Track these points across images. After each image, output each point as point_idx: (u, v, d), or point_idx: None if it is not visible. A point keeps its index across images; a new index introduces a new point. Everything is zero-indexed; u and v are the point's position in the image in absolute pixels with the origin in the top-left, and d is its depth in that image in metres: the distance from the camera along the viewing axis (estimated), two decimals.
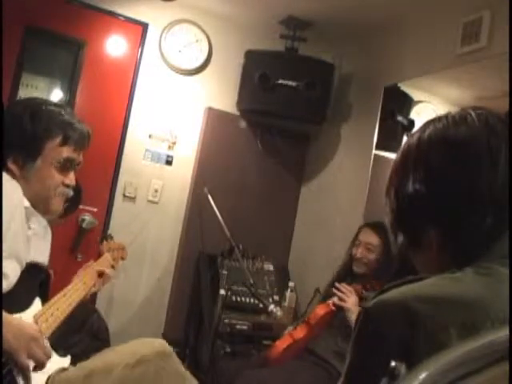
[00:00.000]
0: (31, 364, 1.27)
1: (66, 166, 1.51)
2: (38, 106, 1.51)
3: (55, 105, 1.57)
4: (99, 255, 1.87)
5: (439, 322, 0.66)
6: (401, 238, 0.86)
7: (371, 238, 2.39)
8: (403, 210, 0.84)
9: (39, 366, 1.28)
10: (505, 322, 0.67)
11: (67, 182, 1.53)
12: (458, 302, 0.69)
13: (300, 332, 2.29)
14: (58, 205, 1.54)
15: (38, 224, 1.54)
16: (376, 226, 2.42)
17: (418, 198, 0.81)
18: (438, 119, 0.84)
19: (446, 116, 0.84)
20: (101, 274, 1.76)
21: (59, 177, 1.51)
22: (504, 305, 0.68)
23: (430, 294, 0.70)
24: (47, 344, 1.33)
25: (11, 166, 1.44)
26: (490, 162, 0.77)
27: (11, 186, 1.40)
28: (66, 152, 1.50)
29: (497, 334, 0.55)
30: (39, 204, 1.49)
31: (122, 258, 2.01)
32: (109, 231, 3.08)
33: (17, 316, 1.32)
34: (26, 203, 1.44)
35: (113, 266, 1.86)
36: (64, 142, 1.50)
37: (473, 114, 0.82)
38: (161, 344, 1.55)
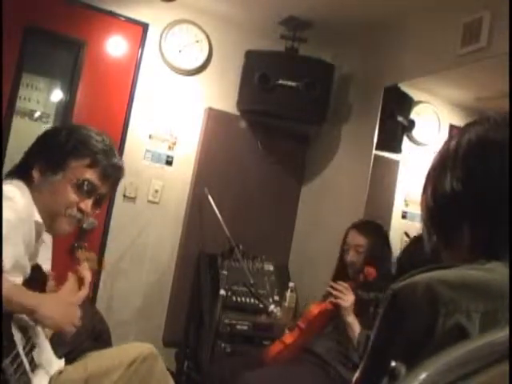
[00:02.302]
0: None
1: (83, 188, 1.47)
2: (79, 128, 1.54)
3: (98, 133, 1.55)
4: (78, 263, 1.85)
5: (462, 307, 0.67)
6: (434, 236, 0.88)
7: (358, 239, 2.36)
8: (438, 207, 0.86)
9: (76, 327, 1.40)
10: None
11: (82, 206, 1.47)
12: (482, 289, 0.70)
13: (291, 336, 2.24)
14: (64, 226, 1.49)
15: (46, 235, 1.54)
16: (361, 226, 2.42)
17: (454, 197, 0.82)
18: (480, 121, 0.86)
19: (488, 118, 0.85)
20: (82, 281, 1.75)
21: (74, 197, 1.46)
22: None
23: (456, 279, 0.72)
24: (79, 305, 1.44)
25: (34, 173, 1.45)
26: None
27: (25, 203, 1.39)
28: (89, 175, 1.47)
29: (497, 334, 0.56)
30: (46, 219, 1.45)
31: (99, 267, 2.00)
32: (109, 231, 3.08)
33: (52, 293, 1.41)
34: (39, 219, 1.43)
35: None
36: (90, 165, 1.48)
37: None
38: (149, 347, 1.68)
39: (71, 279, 1.66)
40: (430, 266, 0.76)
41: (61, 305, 1.35)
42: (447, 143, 0.89)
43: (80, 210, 1.48)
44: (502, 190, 0.79)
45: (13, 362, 1.22)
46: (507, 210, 0.78)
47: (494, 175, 0.80)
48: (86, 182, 1.47)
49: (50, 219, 1.46)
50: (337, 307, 2.21)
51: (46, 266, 1.60)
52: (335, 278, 2.41)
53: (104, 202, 1.59)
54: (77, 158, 1.47)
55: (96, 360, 1.62)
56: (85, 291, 1.67)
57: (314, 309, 2.25)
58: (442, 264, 0.77)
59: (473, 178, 0.82)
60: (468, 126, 0.87)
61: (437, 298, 0.69)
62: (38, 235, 1.45)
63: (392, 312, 0.73)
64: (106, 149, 1.51)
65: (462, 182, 0.82)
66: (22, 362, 1.27)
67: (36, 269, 1.49)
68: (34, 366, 1.35)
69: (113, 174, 1.53)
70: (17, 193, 1.36)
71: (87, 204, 1.48)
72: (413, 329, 0.69)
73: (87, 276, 1.71)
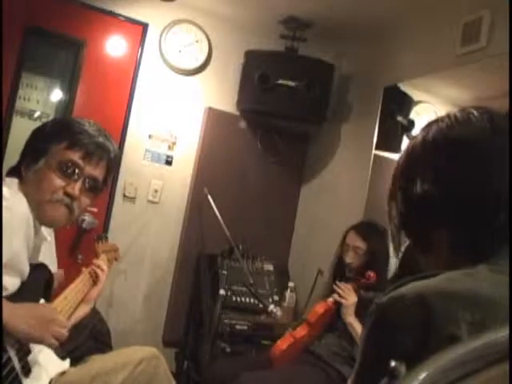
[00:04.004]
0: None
1: (67, 170, 1.40)
2: (66, 118, 1.51)
3: (86, 120, 1.50)
4: (96, 255, 1.85)
5: (451, 316, 0.66)
6: (409, 241, 0.86)
7: (358, 241, 2.39)
8: (412, 212, 0.84)
9: (61, 340, 1.32)
10: None
11: (69, 190, 1.39)
12: (470, 297, 0.69)
13: (301, 331, 2.30)
14: (51, 213, 1.40)
15: (48, 233, 1.52)
16: (361, 228, 2.44)
17: (427, 200, 0.80)
18: (441, 119, 0.84)
19: (449, 116, 0.83)
20: (97, 276, 1.74)
21: (58, 182, 1.39)
22: None
23: (443, 288, 0.70)
24: (62, 317, 1.35)
25: (22, 170, 1.41)
26: (496, 160, 0.77)
27: (18, 200, 1.35)
28: (70, 155, 1.40)
29: (497, 334, 0.55)
30: (34, 211, 1.38)
31: (116, 260, 1.99)
32: (109, 231, 3.08)
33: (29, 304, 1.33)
34: (31, 213, 1.38)
35: (107, 267, 1.83)
36: (71, 146, 1.40)
37: (475, 112, 0.82)
38: (153, 350, 1.68)
39: (82, 277, 1.64)
40: (412, 277, 0.74)
41: (37, 317, 1.26)
42: (411, 144, 0.86)
43: (67, 195, 1.40)
44: (473, 188, 0.77)
45: (3, 368, 1.20)
46: (482, 208, 0.76)
47: (464, 174, 0.78)
48: (67, 163, 1.40)
49: (38, 210, 1.38)
50: (338, 307, 2.26)
51: (53, 266, 1.58)
52: (332, 278, 2.44)
53: (98, 188, 1.50)
54: (58, 142, 1.41)
55: (100, 361, 1.61)
56: (96, 290, 1.66)
57: (320, 307, 2.30)
58: (424, 274, 0.75)
59: (443, 179, 0.80)
60: (429, 125, 0.85)
61: (425, 308, 0.67)
62: (36, 231, 1.42)
63: (380, 328, 0.71)
64: (90, 130, 1.44)
65: (433, 184, 0.80)
66: (13, 367, 1.24)
67: (39, 268, 1.46)
68: (28, 370, 1.32)
69: (96, 152, 1.44)
70: (8, 192, 1.33)
71: (74, 187, 1.40)
72: (404, 343, 0.67)
73: (100, 272, 1.69)
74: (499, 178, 0.76)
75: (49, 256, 1.55)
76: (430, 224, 0.82)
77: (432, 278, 0.73)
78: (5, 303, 1.22)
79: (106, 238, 1.97)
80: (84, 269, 1.70)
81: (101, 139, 1.46)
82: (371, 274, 2.27)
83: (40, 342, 1.28)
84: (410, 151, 0.86)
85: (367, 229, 2.45)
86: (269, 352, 2.32)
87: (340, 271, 2.45)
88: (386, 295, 0.72)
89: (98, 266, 1.70)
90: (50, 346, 1.29)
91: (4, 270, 1.26)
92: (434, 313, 0.66)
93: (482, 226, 0.77)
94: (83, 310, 1.58)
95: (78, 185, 1.42)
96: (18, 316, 1.23)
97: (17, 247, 1.32)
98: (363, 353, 0.73)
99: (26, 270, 1.39)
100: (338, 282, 2.31)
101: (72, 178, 1.41)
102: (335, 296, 2.27)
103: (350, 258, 2.39)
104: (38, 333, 1.25)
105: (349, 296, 2.25)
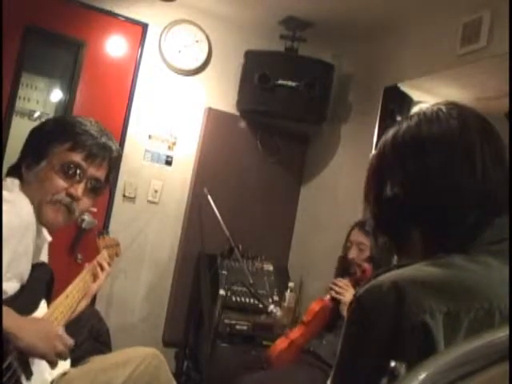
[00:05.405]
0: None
1: (69, 171, 1.39)
2: (66, 118, 1.49)
3: (87, 119, 1.49)
4: (97, 251, 1.84)
5: (425, 305, 0.67)
6: (383, 241, 0.87)
7: (362, 237, 2.37)
8: (384, 213, 0.84)
9: (62, 359, 1.32)
10: (489, 312, 0.67)
11: (71, 190, 1.38)
12: (443, 288, 0.70)
13: (296, 332, 2.30)
14: (51, 213, 1.39)
15: (44, 230, 1.52)
16: (365, 225, 2.40)
17: (397, 201, 0.80)
18: (411, 117, 0.84)
19: (418, 113, 0.83)
20: (97, 274, 1.73)
21: (61, 183, 1.38)
22: (490, 295, 0.68)
23: (417, 276, 0.71)
24: (67, 336, 1.34)
25: (23, 170, 1.40)
26: (465, 157, 0.77)
27: (22, 203, 1.34)
28: (73, 157, 1.39)
29: (497, 334, 0.55)
30: (35, 212, 1.36)
31: (117, 255, 1.98)
32: (109, 231, 3.07)
33: (35, 316, 1.32)
34: (33, 215, 1.36)
35: (109, 263, 1.79)
36: (73, 147, 1.39)
37: (444, 109, 0.82)
38: (153, 349, 1.67)
39: (83, 275, 1.64)
40: (388, 267, 0.74)
41: (43, 332, 1.25)
42: (382, 145, 0.86)
43: (69, 195, 1.39)
44: (442, 186, 0.77)
45: (5, 373, 1.18)
46: (453, 205, 0.76)
47: (432, 172, 0.78)
48: (70, 165, 1.39)
49: (38, 211, 1.36)
50: (337, 303, 2.24)
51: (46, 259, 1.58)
52: (337, 275, 2.43)
53: (100, 189, 1.50)
54: (60, 143, 1.40)
55: (100, 362, 1.60)
56: (95, 286, 1.65)
57: (316, 305, 2.30)
58: (400, 263, 0.75)
59: (411, 179, 0.79)
60: (400, 124, 0.85)
61: (400, 294, 0.68)
62: (38, 232, 1.40)
63: (356, 318, 0.72)
64: (92, 131, 1.43)
65: (402, 185, 0.80)
66: (14, 371, 1.23)
67: (41, 267, 1.46)
68: (30, 373, 1.31)
69: (99, 153, 1.43)
70: (11, 194, 1.32)
71: (77, 188, 1.39)
72: (379, 331, 0.68)
73: (100, 271, 1.68)
74: (466, 175, 0.76)
75: (45, 254, 1.54)
76: (402, 224, 0.82)
77: (408, 267, 0.73)
78: (11, 314, 1.20)
79: (107, 233, 1.96)
80: (87, 265, 1.69)
81: (103, 139, 1.45)
82: (367, 266, 2.25)
83: (42, 356, 1.26)
84: (381, 152, 0.86)
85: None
86: (267, 353, 2.32)
87: (345, 268, 2.43)
88: (363, 287, 0.73)
89: (100, 265, 1.69)
90: (50, 362, 1.27)
91: (6, 275, 1.25)
92: (407, 300, 0.67)
93: (455, 222, 0.77)
94: (81, 305, 1.58)
95: (81, 186, 1.42)
96: (25, 328, 1.21)
97: (20, 251, 1.31)
98: (342, 343, 0.73)
99: (27, 273, 1.38)
100: (334, 280, 2.29)
101: (74, 179, 1.41)
102: (332, 293, 2.25)
103: (353, 254, 2.37)
104: (43, 347, 1.24)
105: (346, 292, 2.22)
